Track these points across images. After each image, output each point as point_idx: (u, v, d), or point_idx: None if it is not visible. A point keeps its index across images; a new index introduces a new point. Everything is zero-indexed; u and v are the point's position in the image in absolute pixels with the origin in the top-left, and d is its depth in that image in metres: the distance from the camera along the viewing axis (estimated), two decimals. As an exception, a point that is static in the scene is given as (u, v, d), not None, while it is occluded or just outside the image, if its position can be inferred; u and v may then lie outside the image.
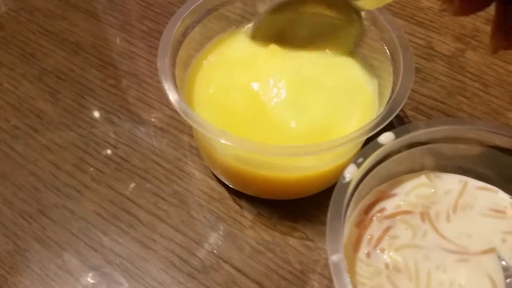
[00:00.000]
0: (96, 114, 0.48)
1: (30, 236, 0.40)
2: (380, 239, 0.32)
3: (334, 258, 0.27)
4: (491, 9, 0.29)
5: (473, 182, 0.35)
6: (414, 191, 0.34)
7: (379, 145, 0.32)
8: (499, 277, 0.30)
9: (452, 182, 0.35)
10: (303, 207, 0.41)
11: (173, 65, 0.37)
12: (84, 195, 0.42)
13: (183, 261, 0.39)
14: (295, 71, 0.40)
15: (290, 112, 0.38)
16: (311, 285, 0.37)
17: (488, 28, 0.52)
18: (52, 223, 0.41)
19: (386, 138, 0.32)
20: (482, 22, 0.53)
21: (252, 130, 0.37)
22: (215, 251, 0.39)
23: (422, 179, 0.35)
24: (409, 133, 0.33)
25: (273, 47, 0.42)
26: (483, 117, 0.46)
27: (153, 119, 0.47)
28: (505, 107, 0.47)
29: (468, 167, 0.35)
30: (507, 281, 0.30)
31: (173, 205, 0.42)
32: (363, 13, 0.40)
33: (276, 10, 0.41)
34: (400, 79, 0.35)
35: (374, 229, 0.33)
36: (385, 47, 0.39)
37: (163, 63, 0.36)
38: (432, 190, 0.34)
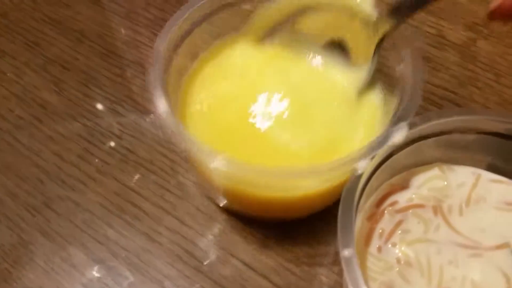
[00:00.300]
0: (101, 104, 0.47)
1: (34, 228, 0.40)
2: (391, 233, 0.31)
3: (345, 253, 0.27)
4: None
5: (487, 175, 0.34)
6: (426, 184, 0.33)
7: (391, 136, 0.31)
8: (514, 273, 0.30)
9: (465, 174, 0.34)
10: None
11: (166, 72, 0.35)
12: (89, 186, 0.42)
13: (189, 254, 0.38)
14: (295, 86, 0.39)
15: (289, 132, 0.36)
16: (320, 280, 0.37)
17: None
18: (56, 215, 0.40)
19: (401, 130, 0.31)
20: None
21: (248, 150, 0.35)
22: (221, 244, 0.39)
23: (434, 171, 0.34)
24: (421, 125, 0.32)
25: (274, 56, 0.41)
26: (495, 108, 0.45)
27: (158, 110, 0.46)
28: (518, 97, 0.46)
29: (482, 159, 0.34)
30: (522, 276, 0.30)
31: (179, 197, 0.41)
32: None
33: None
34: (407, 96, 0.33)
35: (385, 223, 0.32)
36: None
37: (154, 73, 0.34)
38: (445, 182, 0.33)
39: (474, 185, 0.33)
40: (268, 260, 0.38)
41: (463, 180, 0.34)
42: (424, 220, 0.32)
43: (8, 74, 0.49)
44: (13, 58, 0.50)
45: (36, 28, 0.52)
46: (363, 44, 0.36)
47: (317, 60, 0.41)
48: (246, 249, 0.38)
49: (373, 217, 0.32)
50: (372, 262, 0.30)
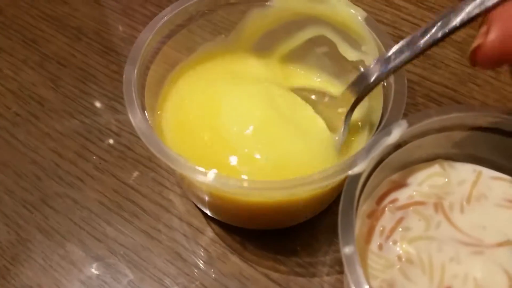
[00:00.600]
0: (99, 101, 0.46)
1: (32, 225, 0.39)
2: (392, 230, 0.31)
3: (346, 250, 0.26)
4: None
5: (488, 172, 0.34)
6: (427, 181, 0.33)
7: (390, 134, 0.30)
8: (515, 270, 0.29)
9: (466, 171, 0.34)
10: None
11: (144, 77, 0.36)
12: (87, 184, 0.41)
13: (189, 252, 0.38)
14: (271, 101, 0.38)
15: (258, 145, 0.35)
16: (320, 277, 0.36)
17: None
18: (54, 212, 0.40)
19: (399, 127, 0.31)
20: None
21: (219, 161, 0.35)
22: (221, 242, 0.38)
23: (435, 168, 0.34)
24: (422, 121, 0.32)
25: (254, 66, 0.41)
26: (495, 105, 0.45)
27: (157, 107, 0.46)
28: (517, 94, 0.46)
29: (483, 156, 0.34)
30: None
31: (178, 194, 0.41)
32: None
33: None
34: (390, 105, 0.33)
35: (386, 220, 0.32)
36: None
37: (129, 77, 0.34)
38: (446, 179, 0.33)
39: (475, 182, 0.33)
40: (268, 257, 0.37)
41: (464, 177, 0.33)
42: (425, 217, 0.32)
43: (4, 71, 0.49)
44: (10, 55, 0.50)
45: (33, 25, 0.52)
46: (333, 117, 0.37)
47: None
48: (246, 247, 0.38)
49: (374, 215, 0.32)
50: (373, 260, 0.30)
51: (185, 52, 0.41)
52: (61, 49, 0.50)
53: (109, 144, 0.44)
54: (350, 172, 0.29)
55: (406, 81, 0.34)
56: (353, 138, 0.38)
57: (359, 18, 0.36)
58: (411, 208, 0.32)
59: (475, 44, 0.29)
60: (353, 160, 0.29)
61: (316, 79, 0.42)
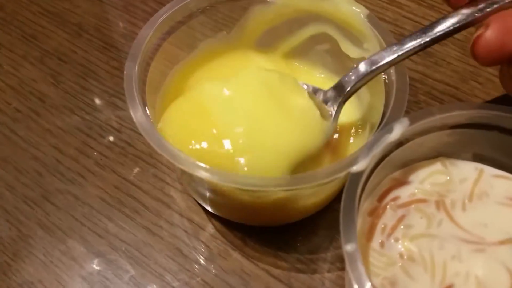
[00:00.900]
0: (99, 97, 0.46)
1: (33, 222, 0.39)
2: (394, 228, 0.31)
3: (348, 247, 0.26)
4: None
5: (490, 170, 0.34)
6: (429, 178, 0.33)
7: (392, 131, 0.30)
8: (517, 268, 0.29)
9: (468, 169, 0.34)
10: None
11: (145, 74, 0.35)
12: (88, 180, 0.41)
13: (190, 248, 0.38)
14: (265, 84, 0.36)
15: (249, 130, 0.34)
16: (322, 274, 0.37)
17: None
18: (55, 208, 0.40)
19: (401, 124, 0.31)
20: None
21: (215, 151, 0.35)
22: (222, 238, 0.38)
23: (437, 166, 0.34)
24: (424, 119, 0.32)
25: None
26: (497, 103, 0.44)
27: (158, 103, 0.46)
28: (519, 92, 0.45)
29: (484, 154, 0.34)
30: (525, 272, 0.30)
31: (179, 190, 0.41)
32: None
33: None
34: (392, 102, 0.33)
35: (388, 218, 0.32)
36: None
37: (130, 73, 0.34)
38: (448, 177, 0.33)
39: (477, 180, 0.33)
40: (269, 253, 0.37)
41: (466, 175, 0.33)
42: (426, 215, 0.32)
43: (5, 67, 0.49)
44: (10, 51, 0.50)
45: (33, 21, 0.52)
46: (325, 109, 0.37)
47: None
48: (247, 243, 0.38)
49: (375, 212, 0.32)
50: (374, 258, 0.30)
51: (186, 49, 0.41)
52: (62, 45, 0.50)
53: (110, 140, 0.44)
54: (351, 170, 0.29)
55: (407, 79, 0.34)
56: (355, 136, 0.38)
57: (361, 15, 0.36)
58: (413, 205, 0.32)
59: (476, 34, 0.30)
60: (355, 157, 0.29)
61: (318, 76, 0.42)
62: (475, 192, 0.33)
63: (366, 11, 0.37)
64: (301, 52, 0.42)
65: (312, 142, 0.34)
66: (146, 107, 0.34)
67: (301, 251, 0.38)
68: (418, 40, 0.32)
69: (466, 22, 0.31)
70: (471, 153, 0.34)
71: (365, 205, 0.32)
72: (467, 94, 0.45)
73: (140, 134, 0.43)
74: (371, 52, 0.36)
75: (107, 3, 0.53)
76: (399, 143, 0.32)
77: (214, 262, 0.37)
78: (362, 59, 0.38)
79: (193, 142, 0.33)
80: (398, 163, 0.33)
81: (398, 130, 0.30)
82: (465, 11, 0.31)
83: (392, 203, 0.32)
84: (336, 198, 0.37)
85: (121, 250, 0.38)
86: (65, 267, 0.37)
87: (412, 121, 0.31)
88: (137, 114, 0.32)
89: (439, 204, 0.32)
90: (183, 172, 0.36)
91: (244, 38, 0.42)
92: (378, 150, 0.30)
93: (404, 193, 0.33)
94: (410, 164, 0.34)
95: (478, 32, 0.30)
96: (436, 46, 0.48)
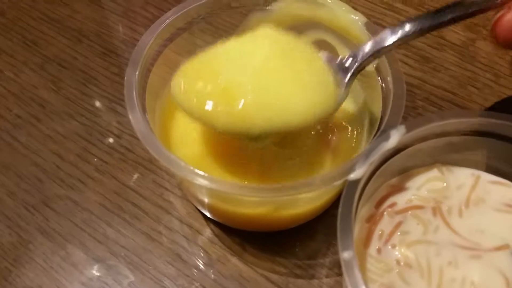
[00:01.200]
0: (99, 103, 0.47)
1: (34, 227, 0.40)
2: (391, 234, 0.31)
3: (345, 255, 0.27)
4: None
5: (486, 176, 0.34)
6: (425, 185, 0.33)
7: (389, 139, 0.31)
8: (513, 275, 0.30)
9: (464, 176, 0.34)
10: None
11: (145, 80, 0.36)
12: (88, 186, 0.42)
13: (189, 253, 0.38)
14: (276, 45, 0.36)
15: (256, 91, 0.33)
16: (319, 279, 0.37)
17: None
18: (55, 214, 0.40)
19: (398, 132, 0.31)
20: (493, 11, 0.52)
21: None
22: (221, 243, 0.39)
23: (434, 172, 0.34)
24: (421, 126, 0.32)
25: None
26: (495, 108, 0.45)
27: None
28: (516, 98, 0.46)
29: (481, 161, 0.34)
30: (521, 278, 0.30)
31: (178, 196, 0.41)
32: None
33: None
34: (389, 109, 0.33)
35: (385, 224, 0.32)
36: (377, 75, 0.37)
37: (130, 80, 0.34)
38: (444, 184, 0.33)
39: (474, 187, 0.33)
40: (267, 259, 0.38)
41: (463, 182, 0.34)
42: (423, 221, 0.32)
43: (6, 73, 0.49)
44: (11, 57, 0.50)
45: (34, 27, 0.52)
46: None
47: None
48: (246, 248, 0.38)
49: (373, 219, 0.32)
50: (371, 264, 0.31)
51: (186, 55, 0.41)
52: (62, 51, 0.50)
53: (110, 146, 0.44)
54: (349, 178, 0.29)
55: (404, 85, 0.34)
56: (352, 142, 0.38)
57: (359, 23, 0.37)
58: (410, 212, 0.32)
59: (497, 15, 0.30)
60: (352, 165, 0.29)
61: None
62: (472, 199, 0.33)
63: (364, 19, 0.37)
64: None
65: (323, 106, 0.33)
66: (146, 114, 0.34)
67: (299, 257, 0.38)
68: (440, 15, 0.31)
69: (480, 8, 0.30)
70: (468, 160, 0.35)
71: (363, 211, 0.33)
72: (464, 99, 0.46)
73: (140, 140, 0.44)
74: None
75: (108, 9, 0.54)
76: (396, 150, 0.32)
77: (213, 267, 0.38)
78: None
79: (203, 102, 0.32)
80: (395, 170, 0.34)
81: (395, 138, 0.31)
82: None
83: (389, 209, 0.33)
84: (334, 204, 0.37)
85: (121, 256, 0.38)
86: (65, 273, 0.38)
87: (409, 129, 0.31)
88: (137, 121, 0.32)
89: (436, 210, 0.32)
90: (182, 179, 0.36)
91: None
92: (374, 158, 0.30)
93: (401, 199, 0.33)
94: (407, 171, 0.34)
95: (500, 13, 0.30)
96: (434, 52, 0.49)
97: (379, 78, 0.36)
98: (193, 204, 0.40)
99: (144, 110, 0.34)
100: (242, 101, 0.31)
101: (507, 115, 0.32)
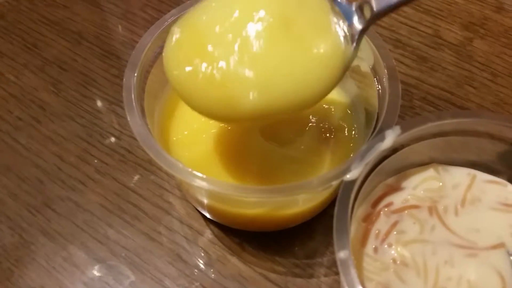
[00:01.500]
0: (100, 104, 0.47)
1: (35, 228, 0.40)
2: (387, 233, 0.32)
3: (341, 254, 0.27)
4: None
5: (482, 176, 0.34)
6: (422, 184, 0.34)
7: (384, 140, 0.31)
8: (508, 273, 0.30)
9: (460, 175, 0.34)
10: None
11: (144, 82, 0.36)
12: (89, 187, 0.42)
13: (189, 253, 0.39)
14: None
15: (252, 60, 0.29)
16: (318, 278, 0.37)
17: (496, 16, 0.51)
18: (56, 215, 0.41)
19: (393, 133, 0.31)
20: (490, 10, 0.52)
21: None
22: (221, 244, 0.39)
23: (430, 172, 0.34)
24: (417, 127, 0.32)
25: None
26: (492, 108, 0.45)
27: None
28: (513, 97, 0.46)
29: (477, 160, 0.35)
30: (516, 276, 0.30)
31: (178, 197, 0.41)
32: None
33: None
34: (385, 108, 0.33)
35: (381, 224, 0.32)
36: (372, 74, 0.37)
37: (129, 82, 0.34)
38: (440, 183, 0.34)
39: (470, 186, 0.34)
40: (266, 259, 0.38)
41: (459, 181, 0.34)
42: (419, 220, 0.32)
43: (6, 76, 0.49)
44: (12, 60, 0.50)
45: (34, 29, 0.53)
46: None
47: None
48: (245, 248, 0.39)
49: (369, 218, 0.33)
50: (368, 263, 0.31)
51: None
52: (62, 53, 0.51)
53: (110, 148, 0.44)
54: (345, 178, 0.29)
55: (400, 85, 0.34)
56: (349, 142, 0.38)
57: None
58: (406, 211, 0.33)
59: None
60: (348, 166, 0.30)
61: None
62: (468, 198, 0.33)
63: None
64: None
65: (328, 76, 0.30)
66: (145, 116, 0.34)
67: (298, 256, 0.38)
68: None
69: None
70: (464, 160, 0.35)
71: (359, 211, 0.33)
72: (462, 98, 0.46)
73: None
74: (364, 60, 0.37)
75: (107, 11, 0.54)
76: (393, 150, 0.33)
77: (213, 267, 0.38)
78: (356, 67, 0.38)
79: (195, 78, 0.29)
80: (392, 170, 0.34)
81: (390, 138, 0.31)
82: None
83: (386, 209, 0.33)
84: (332, 204, 0.38)
85: (122, 256, 0.39)
86: (67, 273, 0.38)
87: (405, 128, 0.32)
88: (135, 123, 0.33)
89: (432, 209, 0.33)
90: (181, 180, 0.36)
91: None
92: (370, 159, 0.30)
93: (397, 199, 0.33)
94: (403, 171, 0.35)
95: None
96: (431, 51, 0.49)
97: (375, 78, 0.36)
98: (192, 205, 0.41)
99: (143, 112, 0.34)
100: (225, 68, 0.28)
101: (504, 114, 0.33)
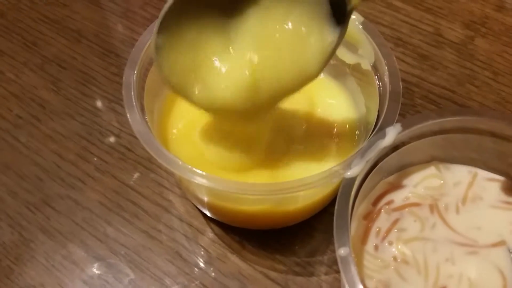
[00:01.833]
0: (99, 103, 0.47)
1: (35, 226, 0.40)
2: (388, 231, 0.32)
3: (342, 251, 0.27)
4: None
5: (483, 173, 0.34)
6: (422, 182, 0.34)
7: (385, 137, 0.31)
8: (509, 271, 0.30)
9: (461, 173, 0.34)
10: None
11: (144, 80, 0.36)
12: (88, 185, 0.42)
13: (189, 252, 0.39)
14: None
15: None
16: (318, 277, 0.37)
17: (497, 15, 0.51)
18: (56, 213, 0.41)
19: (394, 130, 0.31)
20: (491, 8, 0.52)
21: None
22: (221, 242, 0.39)
23: (431, 170, 0.34)
24: (418, 124, 0.32)
25: None
26: (493, 106, 0.45)
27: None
28: (515, 95, 0.46)
29: (478, 158, 0.35)
30: (517, 274, 0.30)
31: (178, 195, 0.41)
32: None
33: None
34: (385, 106, 0.33)
35: (382, 222, 0.32)
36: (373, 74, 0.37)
37: (129, 80, 0.34)
38: (441, 181, 0.34)
39: (471, 184, 0.34)
40: (267, 257, 0.38)
41: (460, 179, 0.34)
42: (420, 218, 0.32)
43: (6, 74, 0.49)
44: (12, 58, 0.50)
45: (34, 28, 0.53)
46: None
47: None
48: (245, 246, 0.38)
49: (370, 216, 0.33)
50: (369, 261, 0.31)
51: None
52: (62, 51, 0.51)
53: (110, 146, 0.44)
54: (345, 176, 0.29)
55: (400, 82, 0.34)
56: (350, 140, 0.38)
57: (356, 22, 0.37)
58: (407, 209, 0.33)
59: None
60: (348, 163, 0.30)
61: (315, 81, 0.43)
62: (469, 196, 0.33)
63: (361, 18, 0.37)
64: None
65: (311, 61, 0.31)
66: (145, 113, 0.34)
67: (298, 254, 0.38)
68: None
69: None
70: (465, 157, 0.35)
71: (360, 209, 0.33)
72: (463, 97, 0.46)
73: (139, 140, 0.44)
74: (365, 58, 0.37)
75: (107, 9, 0.54)
76: (393, 148, 0.33)
77: (213, 265, 0.38)
78: (357, 65, 0.38)
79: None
80: (392, 168, 0.34)
81: (391, 136, 0.31)
82: None
83: (387, 207, 0.33)
84: (332, 202, 0.37)
85: (121, 254, 0.38)
86: (67, 271, 0.38)
87: (406, 126, 0.32)
88: (135, 121, 0.33)
89: (433, 207, 0.33)
90: (181, 177, 0.36)
91: None
92: (371, 156, 0.30)
93: (398, 197, 0.33)
94: (404, 169, 0.34)
95: None
96: (432, 50, 0.49)
97: (376, 76, 0.36)
98: (192, 203, 0.41)
99: (142, 109, 0.34)
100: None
101: (505, 113, 0.32)
